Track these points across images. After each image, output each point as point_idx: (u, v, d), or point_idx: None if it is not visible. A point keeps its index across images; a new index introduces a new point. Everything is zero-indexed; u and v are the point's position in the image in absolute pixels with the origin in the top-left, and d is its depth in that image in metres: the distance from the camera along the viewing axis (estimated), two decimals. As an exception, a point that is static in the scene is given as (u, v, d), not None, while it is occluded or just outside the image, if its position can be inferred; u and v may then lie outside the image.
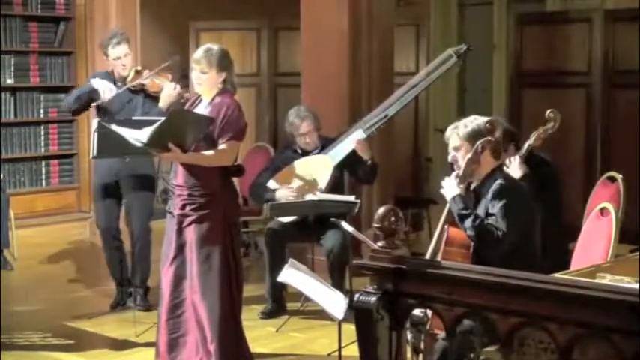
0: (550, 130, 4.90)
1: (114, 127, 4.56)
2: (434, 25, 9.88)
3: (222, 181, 4.49)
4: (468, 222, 3.85)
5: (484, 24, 9.95)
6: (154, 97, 5.82)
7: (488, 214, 3.89)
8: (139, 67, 5.91)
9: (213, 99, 4.49)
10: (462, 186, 3.95)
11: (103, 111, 5.80)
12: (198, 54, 4.53)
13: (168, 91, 5.65)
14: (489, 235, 3.83)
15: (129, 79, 5.81)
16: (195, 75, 4.51)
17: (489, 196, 3.92)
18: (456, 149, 4.00)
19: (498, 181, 3.95)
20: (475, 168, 3.97)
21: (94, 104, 5.78)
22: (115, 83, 5.86)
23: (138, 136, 4.34)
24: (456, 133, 4.01)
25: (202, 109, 4.50)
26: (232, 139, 4.40)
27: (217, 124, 4.38)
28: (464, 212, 3.88)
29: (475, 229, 3.83)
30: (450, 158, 4.05)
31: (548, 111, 4.89)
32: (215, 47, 4.55)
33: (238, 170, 4.58)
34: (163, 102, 5.67)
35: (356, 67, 6.86)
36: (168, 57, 5.94)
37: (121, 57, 5.84)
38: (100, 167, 5.92)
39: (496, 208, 3.87)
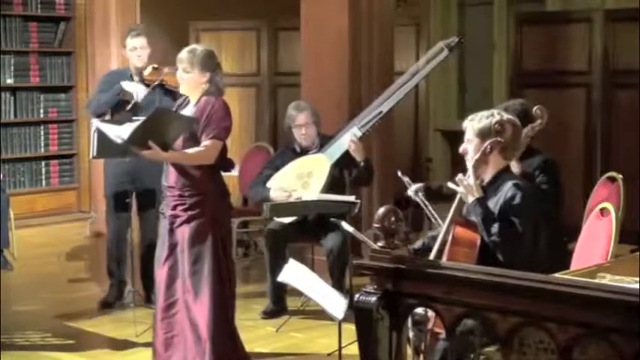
0: (538, 127, 4.90)
1: (99, 124, 4.56)
2: (434, 25, 9.87)
3: (212, 181, 4.49)
4: (495, 227, 3.79)
5: (484, 24, 9.94)
6: (174, 93, 5.82)
7: (501, 216, 3.86)
8: (156, 65, 5.91)
9: (198, 100, 4.49)
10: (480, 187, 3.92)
11: (135, 110, 5.80)
12: (182, 53, 4.53)
13: None
14: (514, 239, 3.79)
15: (146, 73, 5.82)
16: (178, 74, 4.51)
17: (503, 198, 3.89)
18: (468, 142, 3.98)
19: (511, 183, 3.91)
20: (483, 167, 3.95)
21: (128, 106, 5.72)
22: (130, 77, 5.89)
23: (119, 133, 4.36)
24: (471, 126, 3.98)
25: (189, 109, 4.51)
26: (214, 138, 4.40)
27: (201, 122, 4.39)
28: (490, 217, 3.82)
29: (502, 235, 3.78)
30: (461, 149, 4.02)
31: (535, 108, 4.89)
32: (200, 48, 4.57)
33: (228, 165, 4.58)
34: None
35: (356, 66, 6.86)
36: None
37: (137, 47, 5.90)
38: (112, 175, 5.93)
39: (515, 211, 3.83)
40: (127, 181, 5.81)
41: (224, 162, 4.53)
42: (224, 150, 4.51)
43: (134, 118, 5.26)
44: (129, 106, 5.73)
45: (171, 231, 4.47)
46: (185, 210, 4.43)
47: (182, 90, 4.57)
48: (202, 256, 4.42)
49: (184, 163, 4.43)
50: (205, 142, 4.39)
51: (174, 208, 4.45)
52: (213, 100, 4.45)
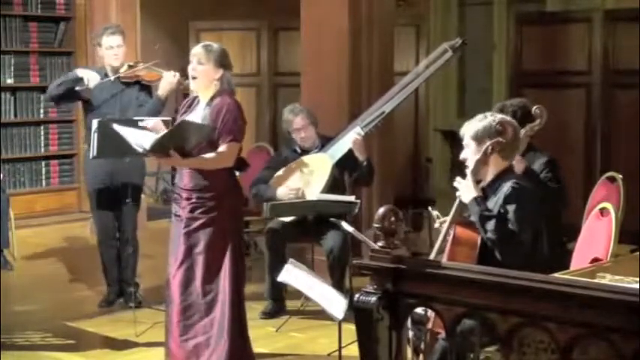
0: (537, 127, 4.89)
1: (116, 127, 4.55)
2: (434, 25, 9.87)
3: (229, 181, 4.50)
4: (491, 225, 3.79)
5: (484, 24, 9.94)
6: (149, 89, 5.84)
7: (500, 215, 3.86)
8: (132, 63, 5.92)
9: (212, 100, 4.46)
10: (478, 187, 3.92)
11: (89, 102, 5.82)
12: (196, 48, 4.51)
13: (168, 79, 5.67)
14: (510, 238, 3.79)
15: (122, 71, 5.81)
16: (191, 67, 4.46)
17: (502, 198, 3.89)
18: (466, 146, 3.98)
19: (510, 184, 3.90)
20: (484, 168, 3.94)
21: (77, 88, 5.76)
22: (106, 76, 5.88)
23: (141, 142, 4.34)
24: (466, 131, 3.98)
25: (201, 110, 4.48)
26: (232, 141, 4.39)
27: (217, 125, 4.37)
28: (487, 214, 3.82)
29: (497, 233, 3.78)
30: (461, 156, 4.02)
31: (534, 107, 4.88)
32: (215, 44, 4.55)
33: (242, 164, 4.58)
34: (163, 90, 5.70)
35: (356, 67, 6.85)
36: (155, 48, 5.93)
37: (113, 46, 5.84)
38: (92, 172, 5.92)
39: (511, 211, 3.84)
40: (106, 177, 5.83)
41: (238, 162, 4.52)
42: (239, 150, 4.51)
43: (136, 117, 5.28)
44: (77, 88, 5.73)
45: (189, 233, 4.45)
46: (204, 212, 4.42)
47: (193, 87, 4.52)
48: (222, 257, 4.43)
49: (204, 167, 4.42)
50: (224, 146, 4.38)
51: (193, 210, 4.44)
52: (228, 100, 4.42)
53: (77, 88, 5.78)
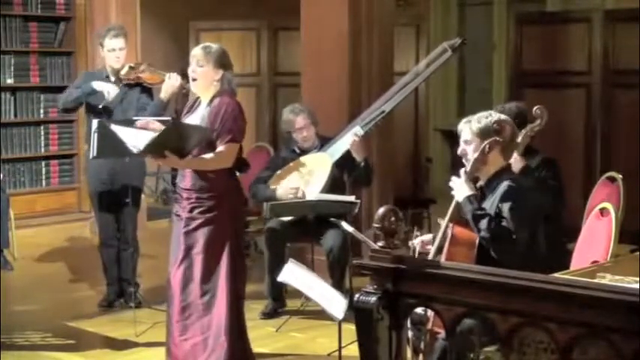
0: (537, 127, 4.89)
1: (113, 127, 4.55)
2: (434, 25, 9.89)
3: (229, 181, 4.49)
4: (484, 223, 3.79)
5: (484, 24, 9.97)
6: (150, 91, 5.84)
7: (496, 215, 3.86)
8: (133, 64, 5.91)
9: (212, 100, 4.46)
10: (472, 185, 3.92)
11: (104, 110, 5.80)
12: (196, 49, 4.52)
13: (171, 82, 5.65)
14: (504, 237, 3.79)
15: (123, 73, 5.80)
16: (191, 69, 4.47)
17: (498, 197, 3.89)
18: (467, 143, 3.98)
19: (507, 182, 3.91)
20: (482, 167, 3.94)
21: (102, 104, 5.74)
22: (107, 78, 5.87)
23: (135, 143, 4.35)
24: (469, 127, 3.97)
25: (202, 110, 4.48)
26: (231, 141, 4.39)
27: (216, 126, 4.37)
28: (479, 212, 3.82)
29: (490, 231, 3.78)
30: (459, 151, 4.01)
31: (535, 108, 4.88)
32: (214, 45, 4.55)
33: (243, 165, 4.57)
34: (165, 93, 5.69)
35: (356, 67, 6.85)
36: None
37: (115, 49, 5.83)
38: (94, 173, 5.92)
39: (505, 209, 3.84)
40: (108, 178, 5.83)
41: (238, 162, 4.52)
42: (239, 151, 4.50)
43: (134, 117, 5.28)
44: (101, 105, 5.73)
45: (188, 233, 4.46)
46: (202, 212, 4.42)
47: (193, 88, 4.53)
48: (220, 257, 4.43)
49: (203, 168, 4.42)
50: (222, 146, 4.37)
51: (192, 210, 4.44)
52: (227, 100, 4.42)
53: (101, 105, 5.73)
